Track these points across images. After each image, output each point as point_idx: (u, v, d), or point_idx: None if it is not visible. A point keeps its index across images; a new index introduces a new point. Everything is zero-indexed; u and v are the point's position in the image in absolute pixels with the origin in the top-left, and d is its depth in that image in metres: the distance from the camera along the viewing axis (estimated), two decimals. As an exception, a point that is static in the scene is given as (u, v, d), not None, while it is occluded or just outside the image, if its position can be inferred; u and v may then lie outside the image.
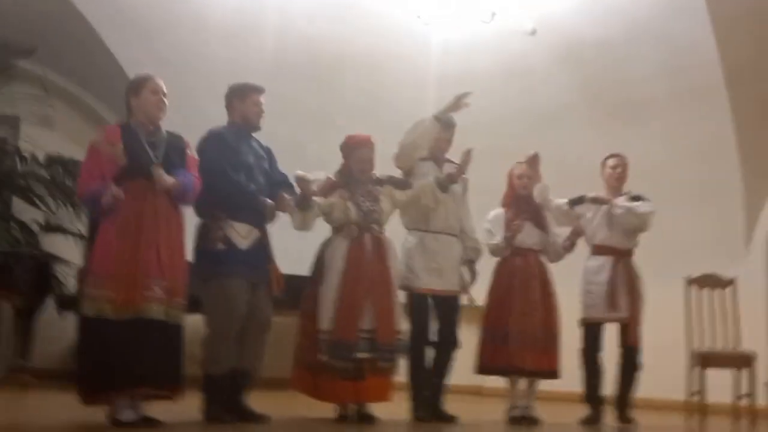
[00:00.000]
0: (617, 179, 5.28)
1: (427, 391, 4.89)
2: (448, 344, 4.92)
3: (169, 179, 3.94)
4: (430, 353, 4.93)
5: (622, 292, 5.10)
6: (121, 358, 3.75)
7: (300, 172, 4.47)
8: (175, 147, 4.08)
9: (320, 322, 4.49)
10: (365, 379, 4.51)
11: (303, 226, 4.60)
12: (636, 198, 5.25)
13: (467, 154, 4.88)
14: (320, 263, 4.66)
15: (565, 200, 5.36)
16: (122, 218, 3.83)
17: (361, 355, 4.46)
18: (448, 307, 4.94)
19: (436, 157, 5.06)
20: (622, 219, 5.14)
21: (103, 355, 3.76)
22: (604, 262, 5.17)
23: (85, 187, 3.92)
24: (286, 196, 4.43)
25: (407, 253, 4.93)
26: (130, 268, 3.79)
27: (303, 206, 4.51)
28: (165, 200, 3.97)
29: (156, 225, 3.89)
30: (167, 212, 3.97)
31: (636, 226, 5.18)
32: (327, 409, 4.67)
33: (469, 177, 5.09)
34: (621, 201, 5.19)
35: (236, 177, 4.31)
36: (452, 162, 5.08)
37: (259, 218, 4.40)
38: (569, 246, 5.27)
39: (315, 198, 4.56)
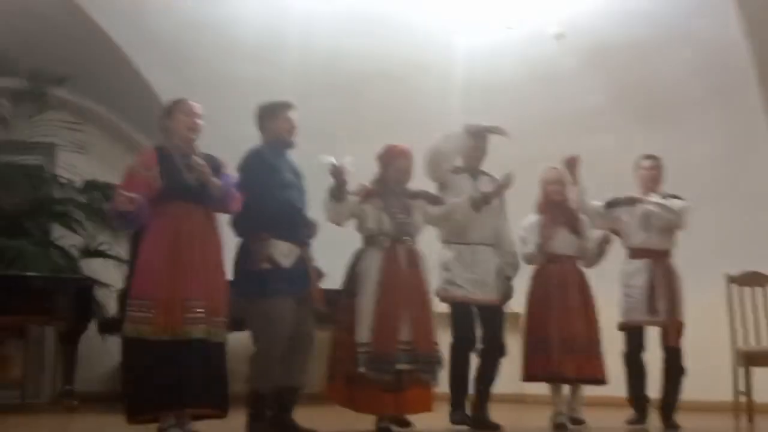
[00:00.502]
0: (652, 180, 5.24)
1: (467, 399, 4.90)
2: (493, 351, 4.92)
3: (213, 179, 3.99)
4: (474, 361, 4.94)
5: (661, 295, 5.05)
6: (163, 378, 3.79)
7: (330, 159, 4.39)
8: (210, 167, 4.12)
9: (358, 335, 4.48)
10: (406, 391, 4.51)
11: (337, 218, 4.57)
12: (672, 197, 5.22)
13: (507, 179, 4.84)
14: (354, 275, 4.64)
15: (602, 202, 5.34)
16: (160, 240, 3.88)
17: (401, 366, 4.46)
18: (491, 315, 4.93)
19: (472, 168, 5.06)
20: (657, 216, 5.10)
21: (145, 375, 3.80)
22: (642, 265, 5.12)
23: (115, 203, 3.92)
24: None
25: (445, 265, 4.94)
26: (169, 289, 3.83)
27: (338, 197, 4.47)
28: (203, 220, 4.01)
29: (194, 246, 3.93)
30: (205, 232, 4.01)
31: (671, 222, 5.12)
32: (369, 423, 4.66)
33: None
34: (654, 198, 5.15)
35: (285, 194, 4.35)
36: (488, 174, 5.08)
37: (299, 236, 4.42)
38: (599, 254, 5.23)
39: (350, 195, 4.54)
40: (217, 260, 4.08)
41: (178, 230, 3.92)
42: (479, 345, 4.94)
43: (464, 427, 4.82)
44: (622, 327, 5.15)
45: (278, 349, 4.27)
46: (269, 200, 4.30)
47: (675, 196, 5.22)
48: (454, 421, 4.83)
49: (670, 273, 5.11)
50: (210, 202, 4.06)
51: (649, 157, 5.31)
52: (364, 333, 4.47)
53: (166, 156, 4.02)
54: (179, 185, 3.96)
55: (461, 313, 4.91)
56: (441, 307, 4.97)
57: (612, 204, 5.30)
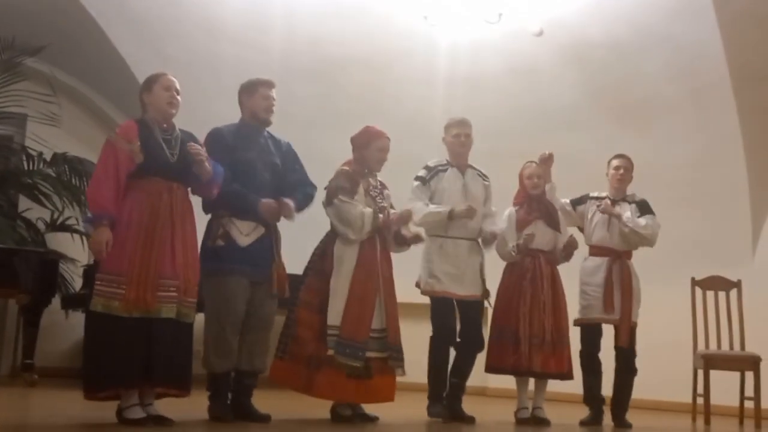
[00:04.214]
0: (619, 180, 5.29)
1: (445, 391, 4.91)
2: (472, 345, 4.94)
3: (206, 165, 3.95)
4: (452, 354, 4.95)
5: (617, 294, 5.09)
6: (129, 355, 3.73)
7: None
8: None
9: (330, 317, 4.42)
10: (372, 379, 4.48)
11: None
12: (641, 205, 5.24)
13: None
14: (326, 255, 4.56)
15: (568, 200, 5.37)
16: (137, 216, 3.81)
17: (371, 354, 4.44)
18: (470, 309, 4.94)
19: (459, 163, 5.05)
20: (629, 238, 5.14)
21: (110, 351, 3.73)
22: (601, 262, 5.17)
23: (96, 192, 3.82)
24: (289, 202, 4.36)
25: (427, 258, 4.94)
26: (143, 266, 3.77)
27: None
28: (180, 198, 3.95)
29: (171, 223, 3.87)
30: (182, 210, 3.95)
31: (641, 244, 5.18)
32: (324, 408, 4.63)
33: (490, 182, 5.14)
34: (627, 216, 5.15)
35: (243, 173, 4.26)
36: (475, 168, 5.09)
37: (256, 213, 4.32)
38: (565, 257, 5.24)
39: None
40: (192, 240, 4.02)
41: (156, 207, 3.85)
42: (457, 338, 4.94)
43: (439, 420, 4.82)
44: (578, 324, 5.19)
45: (227, 329, 4.22)
46: (225, 179, 4.21)
47: (644, 203, 5.25)
48: (431, 414, 4.82)
49: (627, 273, 5.15)
50: (195, 185, 4.04)
51: (618, 156, 5.34)
52: (335, 316, 4.42)
53: (147, 130, 3.94)
54: (160, 162, 3.90)
55: (441, 307, 4.91)
56: (418, 299, 4.99)
57: (579, 201, 5.35)
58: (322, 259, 4.58)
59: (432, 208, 4.90)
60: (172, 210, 3.89)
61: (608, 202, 5.21)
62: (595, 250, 5.24)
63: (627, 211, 5.19)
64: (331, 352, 4.37)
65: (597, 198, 5.32)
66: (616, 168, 5.30)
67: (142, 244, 3.79)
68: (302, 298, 4.55)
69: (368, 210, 4.54)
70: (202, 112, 5.69)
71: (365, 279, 4.49)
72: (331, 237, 4.62)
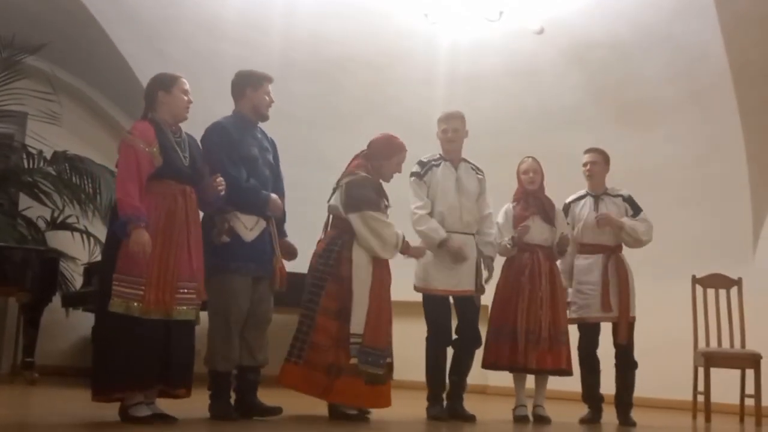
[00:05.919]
0: (588, 177, 5.29)
1: (445, 391, 4.88)
2: (469, 342, 4.91)
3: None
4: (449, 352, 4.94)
5: (614, 292, 5.07)
6: (149, 355, 3.72)
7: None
8: (195, 148, 4.07)
9: (354, 325, 4.37)
10: (386, 384, 4.46)
11: None
12: (630, 201, 5.24)
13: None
14: (343, 260, 4.49)
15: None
16: (154, 218, 3.78)
17: (390, 360, 4.46)
18: (466, 306, 4.92)
19: (452, 157, 5.04)
20: (625, 241, 5.13)
21: (128, 352, 3.69)
22: (594, 260, 5.16)
23: (125, 194, 3.74)
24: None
25: None
26: (161, 269, 3.75)
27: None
28: (193, 201, 3.94)
29: (186, 226, 3.86)
30: (194, 214, 3.95)
31: (639, 245, 5.19)
32: (323, 405, 4.62)
33: (485, 176, 5.13)
34: (629, 226, 5.12)
35: (234, 171, 4.23)
36: (469, 162, 5.08)
37: (265, 210, 4.34)
38: (560, 253, 5.23)
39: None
40: (200, 243, 4.01)
41: (173, 210, 3.83)
42: (454, 336, 4.92)
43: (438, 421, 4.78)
44: (576, 322, 5.17)
45: (233, 328, 4.21)
46: (224, 176, 4.17)
47: (631, 198, 5.23)
48: (431, 416, 4.79)
49: (622, 268, 5.13)
50: (203, 197, 4.05)
51: (586, 151, 5.32)
52: (358, 323, 4.38)
53: (161, 132, 3.90)
54: (176, 165, 3.88)
55: (435, 305, 4.88)
56: (412, 297, 4.98)
57: (565, 212, 5.32)
58: (339, 264, 4.51)
59: (431, 226, 4.83)
60: (187, 213, 3.88)
61: (606, 214, 5.16)
62: (588, 248, 5.21)
63: (613, 208, 5.18)
64: (354, 360, 4.33)
65: (577, 199, 5.32)
66: (584, 164, 5.29)
67: (160, 247, 3.76)
68: (322, 305, 4.47)
69: (401, 233, 4.54)
70: (203, 111, 5.68)
71: (381, 285, 4.48)
72: (347, 242, 4.53)
